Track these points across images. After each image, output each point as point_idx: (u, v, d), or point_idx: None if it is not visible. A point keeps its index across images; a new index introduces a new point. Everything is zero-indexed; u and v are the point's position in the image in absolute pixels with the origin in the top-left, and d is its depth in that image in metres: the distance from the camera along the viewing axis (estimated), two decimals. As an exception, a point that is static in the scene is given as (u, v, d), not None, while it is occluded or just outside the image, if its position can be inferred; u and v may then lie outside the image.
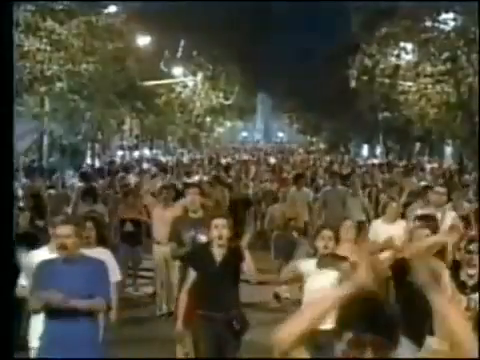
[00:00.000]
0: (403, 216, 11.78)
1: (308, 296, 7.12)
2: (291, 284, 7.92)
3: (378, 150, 55.47)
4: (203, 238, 8.52)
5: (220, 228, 7.53)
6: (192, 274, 7.57)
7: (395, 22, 30.62)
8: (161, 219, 11.90)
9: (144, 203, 14.50)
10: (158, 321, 11.91)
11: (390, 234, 8.46)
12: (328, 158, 46.06)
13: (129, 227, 13.82)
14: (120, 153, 45.61)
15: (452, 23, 29.66)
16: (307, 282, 7.22)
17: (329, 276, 6.94)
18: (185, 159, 43.69)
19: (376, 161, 42.55)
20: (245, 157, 48.81)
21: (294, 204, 15.09)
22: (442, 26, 29.74)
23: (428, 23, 29.97)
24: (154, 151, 52.86)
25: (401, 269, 6.77)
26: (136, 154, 46.08)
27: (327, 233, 7.39)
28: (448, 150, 45.15)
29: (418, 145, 48.46)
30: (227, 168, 28.20)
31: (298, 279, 7.50)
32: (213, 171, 26.72)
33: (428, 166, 35.40)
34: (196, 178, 22.57)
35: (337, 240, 7.42)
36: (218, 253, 7.54)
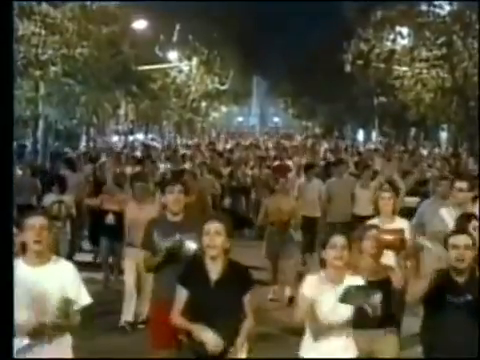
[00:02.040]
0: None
1: (319, 321, 5.88)
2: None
3: (374, 135, 55.52)
4: (193, 246, 6.87)
5: (212, 235, 5.85)
6: (183, 293, 5.90)
7: (390, 6, 30.58)
8: (134, 218, 10.24)
9: (120, 196, 12.33)
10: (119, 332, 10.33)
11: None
12: (326, 144, 45.70)
13: (110, 220, 12.28)
14: (115, 137, 45.62)
15: (448, 7, 29.63)
16: (316, 306, 5.86)
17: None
18: (178, 143, 43.41)
19: (374, 146, 42.34)
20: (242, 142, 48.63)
21: (293, 196, 13.58)
22: (438, 10, 29.70)
23: (424, 7, 29.94)
24: (149, 135, 52.86)
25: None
26: (130, 138, 46.08)
27: (340, 240, 5.97)
28: (443, 135, 45.21)
29: (413, 130, 48.51)
30: (222, 154, 26.17)
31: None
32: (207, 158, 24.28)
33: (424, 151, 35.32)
34: (186, 165, 20.36)
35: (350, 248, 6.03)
36: (214, 269, 5.86)
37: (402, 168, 18.59)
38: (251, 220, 18.16)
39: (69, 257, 12.81)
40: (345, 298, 5.69)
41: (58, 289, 5.60)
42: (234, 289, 5.83)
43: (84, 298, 5.83)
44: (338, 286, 5.84)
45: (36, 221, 5.59)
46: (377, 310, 5.70)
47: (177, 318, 5.91)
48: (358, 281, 5.93)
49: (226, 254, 5.92)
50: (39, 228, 5.59)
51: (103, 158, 22.41)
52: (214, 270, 5.86)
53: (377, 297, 5.71)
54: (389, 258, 7.07)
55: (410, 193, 14.93)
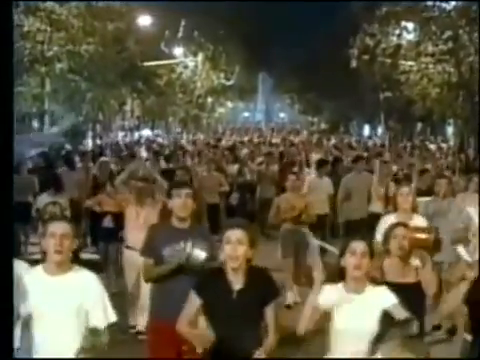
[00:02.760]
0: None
1: (339, 338, 5.41)
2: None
3: (379, 130, 55.43)
4: (201, 256, 6.34)
5: (234, 244, 5.27)
6: (195, 302, 5.39)
7: (396, 1, 30.53)
8: (134, 221, 9.78)
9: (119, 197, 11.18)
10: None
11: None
12: (333, 140, 45.40)
13: (108, 222, 11.77)
14: (121, 134, 45.63)
15: (453, 2, 29.57)
16: (334, 318, 5.40)
17: (367, 305, 5.34)
18: (184, 140, 43.17)
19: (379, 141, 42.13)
20: (246, 138, 48.51)
21: (305, 193, 12.79)
22: (443, 5, 29.66)
23: (429, 2, 29.89)
24: (155, 131, 52.88)
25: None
26: (136, 135, 46.09)
27: (360, 246, 5.40)
28: (449, 130, 45.11)
29: (419, 125, 48.42)
30: (231, 150, 25.40)
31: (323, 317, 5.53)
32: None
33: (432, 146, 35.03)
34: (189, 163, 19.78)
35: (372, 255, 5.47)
36: (236, 279, 5.33)
37: (415, 165, 17.33)
38: (256, 217, 17.72)
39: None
40: (379, 338, 5.10)
41: (78, 302, 5.25)
42: (258, 298, 5.31)
43: (109, 315, 5.36)
44: (359, 295, 5.35)
45: (58, 229, 5.23)
46: (409, 329, 5.20)
47: (184, 327, 5.43)
48: (382, 291, 5.39)
49: (248, 263, 5.34)
50: (60, 236, 5.23)
51: (104, 157, 21.32)
52: (236, 280, 5.31)
53: (412, 320, 5.21)
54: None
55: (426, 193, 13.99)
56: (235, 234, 5.28)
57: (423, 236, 6.54)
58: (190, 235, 6.45)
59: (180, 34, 41.14)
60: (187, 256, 6.31)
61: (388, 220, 8.25)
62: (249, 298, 5.28)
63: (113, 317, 5.40)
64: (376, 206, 12.75)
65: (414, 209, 8.44)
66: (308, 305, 5.48)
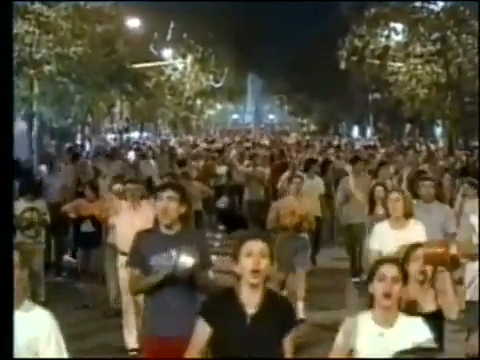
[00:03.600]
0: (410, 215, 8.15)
1: None
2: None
3: (368, 131, 55.54)
4: (188, 262, 5.66)
5: (257, 257, 4.59)
6: (205, 330, 4.67)
7: (385, 2, 30.61)
8: (129, 224, 9.12)
9: (107, 200, 10.66)
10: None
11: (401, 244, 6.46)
12: (324, 140, 45.30)
13: (88, 227, 11.31)
14: (111, 136, 45.57)
15: (441, 3, 29.67)
16: (358, 353, 4.76)
17: (397, 340, 4.60)
18: (172, 142, 43.03)
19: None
20: (237, 139, 48.48)
21: (302, 197, 11.54)
22: (432, 6, 29.75)
23: (418, 3, 29.98)
24: (145, 134, 52.84)
25: None
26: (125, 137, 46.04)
27: (391, 270, 4.74)
28: (438, 131, 45.23)
29: (408, 126, 48.53)
30: (220, 152, 25.08)
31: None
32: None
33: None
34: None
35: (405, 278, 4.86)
36: (251, 300, 4.61)
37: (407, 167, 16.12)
38: (246, 220, 17.51)
39: (48, 268, 12.36)
40: None
41: (26, 344, 4.76)
42: (274, 326, 4.60)
43: (62, 352, 4.79)
44: (389, 329, 4.70)
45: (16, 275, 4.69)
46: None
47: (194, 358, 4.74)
48: (416, 324, 4.77)
49: (265, 282, 4.67)
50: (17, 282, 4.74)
51: (83, 159, 20.72)
52: (251, 302, 4.60)
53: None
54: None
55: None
56: (258, 246, 4.59)
57: (439, 252, 5.84)
58: (178, 241, 5.77)
59: (169, 36, 41.11)
60: (173, 264, 5.67)
61: (381, 228, 7.97)
62: (265, 324, 4.58)
63: (65, 355, 4.83)
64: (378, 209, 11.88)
65: (409, 214, 7.89)
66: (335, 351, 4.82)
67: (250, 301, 4.61)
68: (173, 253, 5.69)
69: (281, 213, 10.79)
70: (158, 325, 5.78)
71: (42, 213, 11.37)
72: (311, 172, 14.38)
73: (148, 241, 5.93)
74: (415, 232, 7.60)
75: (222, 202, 17.92)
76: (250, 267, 4.56)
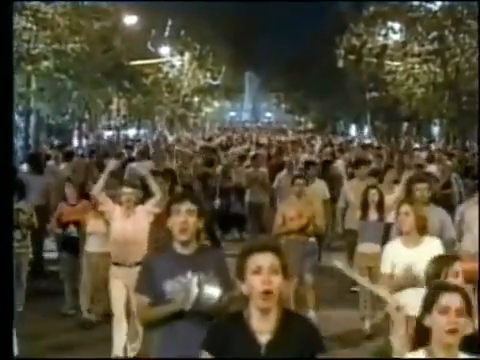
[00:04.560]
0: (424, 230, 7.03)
1: None
2: None
3: (366, 130, 55.58)
4: (216, 293, 4.82)
5: (266, 274, 3.80)
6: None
7: (383, 1, 30.65)
8: (122, 232, 8.64)
9: (98, 203, 9.34)
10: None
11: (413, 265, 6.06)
12: (320, 140, 44.69)
13: (72, 231, 10.49)
14: (108, 133, 45.56)
15: (439, 2, 29.70)
16: None
17: None
18: (170, 140, 42.63)
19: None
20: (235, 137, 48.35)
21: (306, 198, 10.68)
22: (429, 5, 29.78)
23: (415, 2, 30.00)
24: (142, 131, 52.83)
25: None
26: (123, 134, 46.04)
27: (455, 299, 3.93)
28: (435, 130, 45.29)
29: (405, 125, 48.56)
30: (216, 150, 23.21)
31: None
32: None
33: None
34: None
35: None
36: (264, 326, 3.83)
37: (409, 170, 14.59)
38: (242, 220, 17.02)
39: (34, 275, 11.62)
40: None
41: None
42: (295, 354, 3.80)
43: None
44: None
45: None
46: None
47: None
48: None
49: (281, 303, 3.86)
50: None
51: (76, 158, 19.67)
52: (264, 328, 3.79)
53: None
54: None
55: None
56: (267, 260, 3.78)
57: (470, 267, 5.29)
58: (196, 263, 4.96)
59: (167, 33, 41.05)
60: (196, 297, 4.78)
61: (393, 247, 6.97)
62: (283, 353, 3.77)
63: None
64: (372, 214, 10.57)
65: (423, 229, 6.86)
66: None
67: (263, 327, 3.81)
68: (193, 281, 4.82)
69: (287, 216, 10.19)
70: (165, 355, 5.01)
71: (28, 215, 10.66)
72: (310, 174, 13.49)
73: (161, 263, 5.05)
74: (432, 250, 6.40)
75: (215, 203, 17.23)
76: (260, 288, 3.75)
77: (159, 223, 8.57)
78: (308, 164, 14.66)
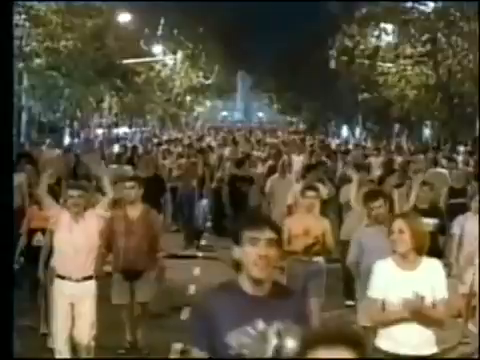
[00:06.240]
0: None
1: None
2: None
3: (357, 131, 55.62)
4: (294, 347, 3.67)
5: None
6: None
7: (375, 2, 30.70)
8: (67, 241, 7.62)
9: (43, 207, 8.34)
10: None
11: (413, 291, 5.44)
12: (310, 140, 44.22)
13: (39, 240, 8.98)
14: (99, 131, 45.45)
15: (432, 4, 29.77)
16: None
17: None
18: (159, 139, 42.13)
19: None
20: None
21: (314, 216, 9.50)
22: (422, 7, 29.85)
23: (408, 4, 30.07)
24: (133, 129, 52.74)
25: None
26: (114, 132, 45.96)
27: None
28: (427, 132, 45.35)
29: (397, 126, 48.62)
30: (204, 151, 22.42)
31: None
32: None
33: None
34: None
35: None
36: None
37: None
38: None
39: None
40: None
41: None
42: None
43: None
44: None
45: None
46: None
47: None
48: None
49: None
50: None
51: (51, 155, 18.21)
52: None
53: None
54: None
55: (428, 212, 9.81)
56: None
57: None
58: (271, 309, 3.84)
59: (159, 32, 41.06)
60: (275, 350, 3.76)
61: (384, 267, 5.82)
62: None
63: None
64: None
65: (420, 249, 5.73)
66: None
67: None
68: (266, 328, 3.79)
69: (292, 233, 9.11)
70: None
71: None
72: (311, 179, 12.13)
73: (225, 306, 3.85)
74: (431, 274, 5.68)
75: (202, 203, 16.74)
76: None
77: (110, 230, 8.35)
78: (309, 167, 13.40)
